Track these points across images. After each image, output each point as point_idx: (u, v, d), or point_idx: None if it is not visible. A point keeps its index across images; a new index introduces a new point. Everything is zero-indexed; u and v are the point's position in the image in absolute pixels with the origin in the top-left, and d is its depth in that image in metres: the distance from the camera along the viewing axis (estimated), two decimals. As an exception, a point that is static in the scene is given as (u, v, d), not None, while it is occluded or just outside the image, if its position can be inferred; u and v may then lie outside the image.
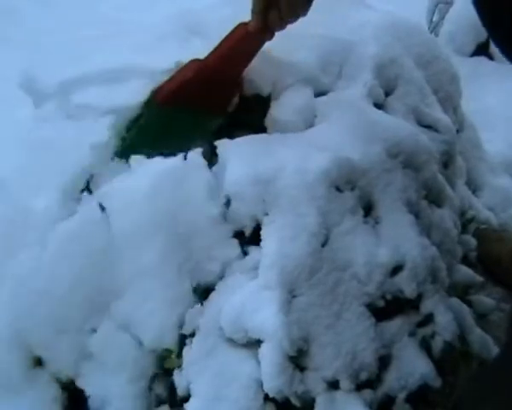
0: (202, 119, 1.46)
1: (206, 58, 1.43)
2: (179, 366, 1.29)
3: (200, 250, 1.31)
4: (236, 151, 1.36)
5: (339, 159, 1.30)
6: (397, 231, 1.32)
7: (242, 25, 1.38)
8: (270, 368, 1.16)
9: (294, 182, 1.27)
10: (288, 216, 1.25)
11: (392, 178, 1.36)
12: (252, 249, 1.31)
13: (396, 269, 1.29)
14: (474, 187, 1.98)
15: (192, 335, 1.29)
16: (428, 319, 1.33)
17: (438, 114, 1.60)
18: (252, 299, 1.22)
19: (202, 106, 1.44)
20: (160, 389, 1.32)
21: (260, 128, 1.48)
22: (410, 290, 1.29)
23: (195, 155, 1.39)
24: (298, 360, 1.20)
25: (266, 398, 1.18)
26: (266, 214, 1.28)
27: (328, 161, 1.29)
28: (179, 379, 1.29)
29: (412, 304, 1.32)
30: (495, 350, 1.44)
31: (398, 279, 1.29)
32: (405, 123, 1.48)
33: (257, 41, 1.41)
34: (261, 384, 1.18)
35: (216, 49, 1.42)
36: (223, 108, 1.48)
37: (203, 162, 1.38)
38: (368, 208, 1.34)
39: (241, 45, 1.41)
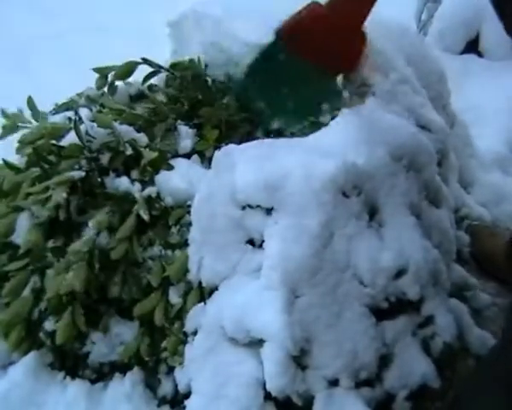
0: (324, 74, 1.43)
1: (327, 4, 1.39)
2: (180, 364, 1.32)
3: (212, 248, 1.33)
4: (243, 157, 1.36)
5: (345, 164, 1.30)
6: (400, 235, 1.32)
7: None
8: (273, 368, 1.17)
9: (301, 188, 1.27)
10: (290, 218, 1.26)
11: (396, 182, 1.36)
12: (256, 251, 1.31)
13: (399, 272, 1.29)
14: (466, 184, 2.00)
15: (194, 333, 1.30)
16: (429, 320, 1.34)
17: (431, 114, 1.61)
18: (254, 299, 1.23)
19: (324, 56, 1.41)
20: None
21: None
22: (413, 293, 1.29)
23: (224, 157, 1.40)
24: (300, 359, 1.21)
25: (266, 397, 1.19)
26: (270, 216, 1.29)
27: (335, 167, 1.29)
28: (180, 376, 1.32)
29: (413, 306, 1.33)
30: (494, 347, 1.45)
31: (401, 282, 1.29)
32: (406, 123, 1.49)
33: None
34: (262, 383, 1.19)
35: None
36: (347, 63, 1.45)
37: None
38: (372, 212, 1.35)
39: None
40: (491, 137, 2.17)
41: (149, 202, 1.39)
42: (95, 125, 1.46)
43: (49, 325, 1.35)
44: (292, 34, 1.42)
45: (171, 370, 1.35)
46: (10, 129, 1.54)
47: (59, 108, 1.58)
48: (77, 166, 1.41)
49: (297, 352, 1.19)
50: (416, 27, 3.16)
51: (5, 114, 1.56)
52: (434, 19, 3.13)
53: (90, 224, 1.36)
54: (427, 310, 1.34)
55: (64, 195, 1.36)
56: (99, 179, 1.42)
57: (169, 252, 1.39)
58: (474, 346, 1.45)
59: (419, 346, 1.32)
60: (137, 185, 1.41)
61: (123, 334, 1.39)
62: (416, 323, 1.34)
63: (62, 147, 1.44)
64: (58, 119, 1.53)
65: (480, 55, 3.08)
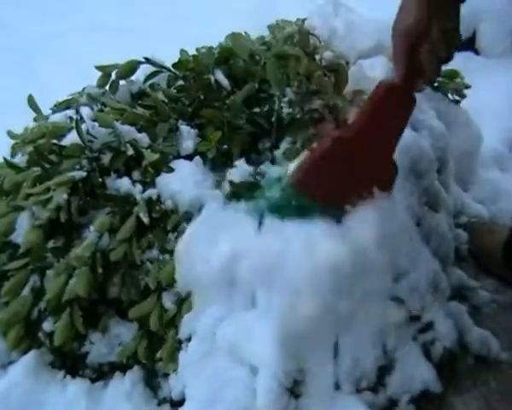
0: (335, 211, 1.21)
1: (346, 129, 1.21)
2: (175, 370, 1.32)
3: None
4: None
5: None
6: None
7: (382, 83, 1.18)
8: (264, 397, 1.16)
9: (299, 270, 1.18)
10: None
11: (398, 186, 1.34)
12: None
13: (398, 278, 1.31)
14: (464, 181, 2.00)
15: (188, 339, 1.30)
16: (428, 326, 1.36)
17: (432, 121, 1.62)
18: (248, 327, 1.22)
19: (344, 190, 1.21)
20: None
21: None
22: (412, 303, 1.31)
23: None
24: (293, 388, 1.20)
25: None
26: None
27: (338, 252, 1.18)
28: (175, 382, 1.32)
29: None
30: (493, 346, 1.46)
31: (399, 289, 1.30)
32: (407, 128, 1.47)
33: (405, 97, 1.19)
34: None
35: (355, 118, 1.20)
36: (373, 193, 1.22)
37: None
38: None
39: (385, 108, 1.17)
40: (489, 135, 2.16)
41: (150, 204, 1.39)
42: (96, 124, 1.46)
43: (47, 325, 1.36)
44: (304, 180, 1.20)
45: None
46: (19, 148, 1.54)
47: (59, 106, 1.59)
48: (78, 167, 1.41)
49: (289, 383, 1.19)
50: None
51: (12, 135, 1.56)
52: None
53: (92, 227, 1.36)
54: (426, 316, 1.35)
55: (65, 196, 1.36)
56: (100, 180, 1.42)
57: (166, 256, 1.38)
58: (474, 346, 1.45)
59: (420, 351, 1.33)
60: (138, 187, 1.41)
61: (122, 335, 1.39)
62: (416, 329, 1.35)
63: (63, 146, 1.44)
64: (59, 117, 1.53)
65: (476, 52, 3.08)
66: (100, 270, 1.34)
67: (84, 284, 1.32)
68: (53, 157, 1.44)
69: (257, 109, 1.57)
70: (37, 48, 2.86)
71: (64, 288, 1.33)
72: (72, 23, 3.16)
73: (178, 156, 1.50)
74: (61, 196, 1.36)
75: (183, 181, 1.42)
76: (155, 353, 1.36)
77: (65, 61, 2.70)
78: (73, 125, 1.44)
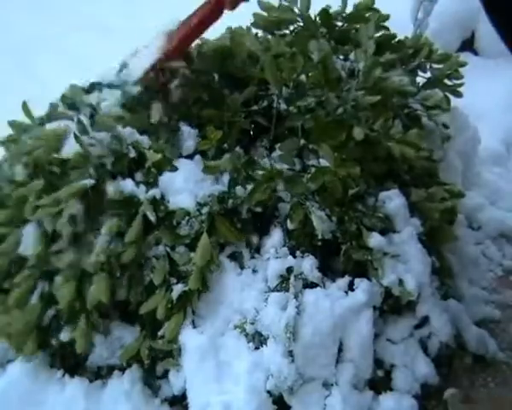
0: None
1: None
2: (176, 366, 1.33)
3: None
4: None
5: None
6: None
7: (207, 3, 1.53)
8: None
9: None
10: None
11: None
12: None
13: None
14: (463, 182, 2.00)
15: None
16: (424, 321, 1.38)
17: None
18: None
19: None
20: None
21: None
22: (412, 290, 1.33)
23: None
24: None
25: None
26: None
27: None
28: (175, 379, 1.33)
29: (409, 307, 1.37)
30: (491, 345, 1.47)
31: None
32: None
33: (218, 13, 1.54)
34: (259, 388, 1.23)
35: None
36: None
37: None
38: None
39: (208, 19, 1.56)
40: (487, 135, 2.17)
41: (154, 203, 1.39)
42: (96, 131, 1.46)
43: (64, 335, 1.35)
44: None
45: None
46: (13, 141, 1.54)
47: (56, 114, 1.58)
48: (87, 175, 1.39)
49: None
50: (412, 26, 3.16)
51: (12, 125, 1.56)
52: (430, 18, 3.13)
53: (103, 230, 1.35)
54: (421, 311, 1.38)
55: (78, 206, 1.35)
56: (106, 184, 1.40)
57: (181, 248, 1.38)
58: (472, 344, 1.46)
59: (418, 346, 1.36)
60: (142, 187, 1.40)
61: (124, 337, 1.39)
62: (413, 324, 1.38)
63: (66, 160, 1.41)
64: (56, 124, 1.50)
65: (475, 53, 3.09)
66: (118, 273, 1.34)
67: (104, 289, 1.32)
68: (55, 168, 1.42)
69: (255, 107, 1.58)
70: (37, 48, 2.87)
71: (76, 295, 1.33)
72: (72, 23, 3.16)
73: (180, 156, 1.50)
74: (74, 207, 1.35)
75: (186, 180, 1.42)
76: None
77: (65, 61, 2.69)
78: (71, 133, 1.42)
